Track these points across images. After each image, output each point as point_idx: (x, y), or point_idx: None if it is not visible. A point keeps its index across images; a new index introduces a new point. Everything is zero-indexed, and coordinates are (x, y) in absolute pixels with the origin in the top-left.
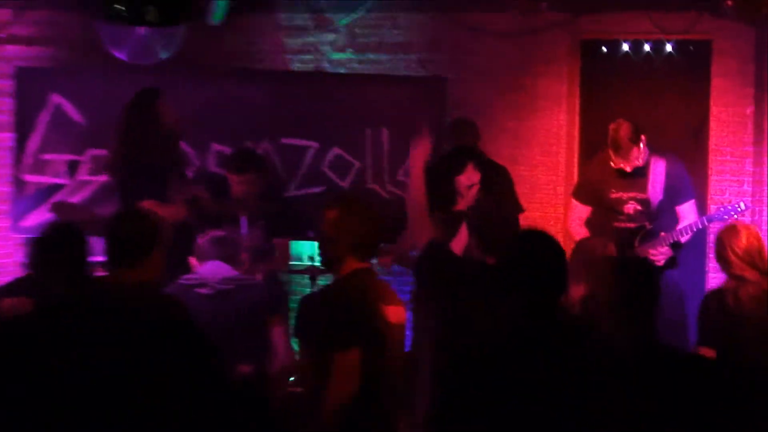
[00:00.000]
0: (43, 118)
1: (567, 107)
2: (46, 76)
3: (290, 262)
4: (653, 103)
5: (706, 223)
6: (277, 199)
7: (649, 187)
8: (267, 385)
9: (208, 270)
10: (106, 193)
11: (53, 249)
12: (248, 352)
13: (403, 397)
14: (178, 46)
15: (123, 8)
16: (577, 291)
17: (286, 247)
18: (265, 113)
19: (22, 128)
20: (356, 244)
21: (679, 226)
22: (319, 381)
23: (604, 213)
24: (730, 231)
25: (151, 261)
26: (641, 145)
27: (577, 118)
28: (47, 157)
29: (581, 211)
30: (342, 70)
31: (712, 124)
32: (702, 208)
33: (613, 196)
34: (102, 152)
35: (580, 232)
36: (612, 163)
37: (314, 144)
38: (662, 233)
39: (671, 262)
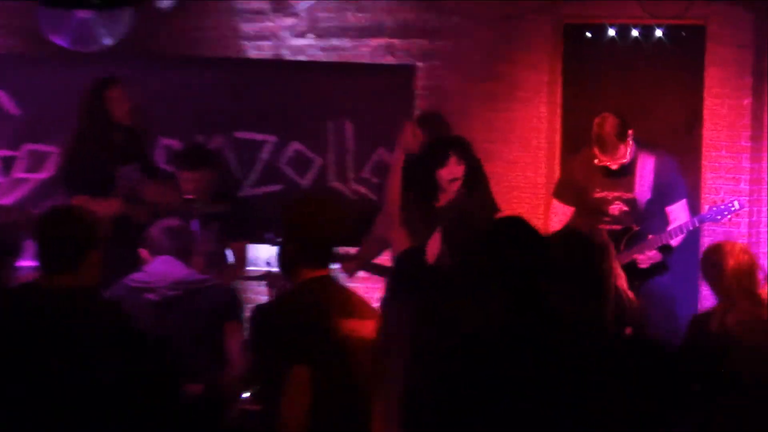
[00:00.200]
0: None
1: (548, 98)
2: None
3: (246, 268)
4: (642, 94)
5: (698, 224)
6: (231, 198)
7: (637, 186)
8: (219, 404)
9: (158, 270)
10: (44, 191)
11: None
12: (200, 367)
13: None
14: (124, 32)
15: None
16: None
17: (242, 252)
18: (218, 105)
19: None
20: (309, 250)
21: (669, 228)
22: (272, 397)
23: (587, 214)
24: (716, 249)
25: (87, 265)
26: (628, 140)
27: (558, 110)
28: None
29: (563, 212)
30: (302, 58)
31: (706, 117)
32: (695, 209)
33: (597, 195)
34: (40, 147)
35: None
36: (596, 160)
37: (272, 138)
38: (650, 236)
39: (660, 267)
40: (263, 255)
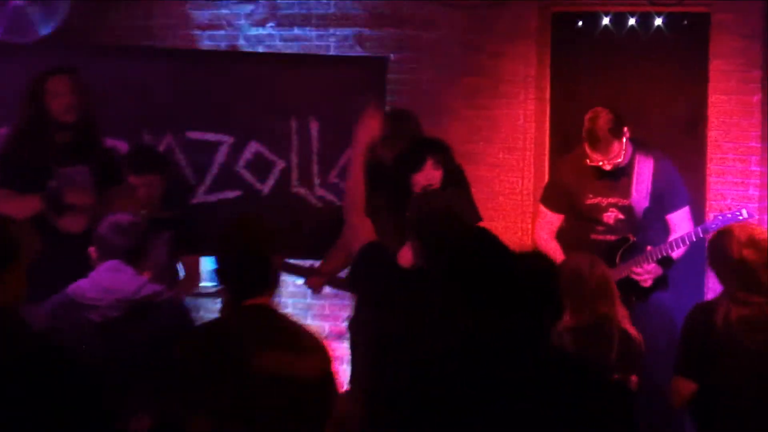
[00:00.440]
0: None
1: (535, 94)
2: None
3: (199, 284)
4: (639, 89)
5: (702, 235)
6: (182, 206)
7: (633, 191)
8: None
9: (103, 281)
10: None
11: None
12: (146, 399)
13: None
14: (61, 20)
15: None
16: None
17: (194, 266)
18: (168, 101)
19: None
20: (233, 282)
21: (670, 239)
22: None
23: (578, 222)
24: (727, 235)
25: (7, 280)
26: (623, 139)
27: (547, 107)
28: None
29: (551, 220)
30: (261, 49)
31: (711, 114)
32: (698, 218)
33: (590, 201)
34: None
35: (551, 246)
36: (588, 161)
37: (228, 138)
38: (649, 247)
39: (660, 282)
40: None
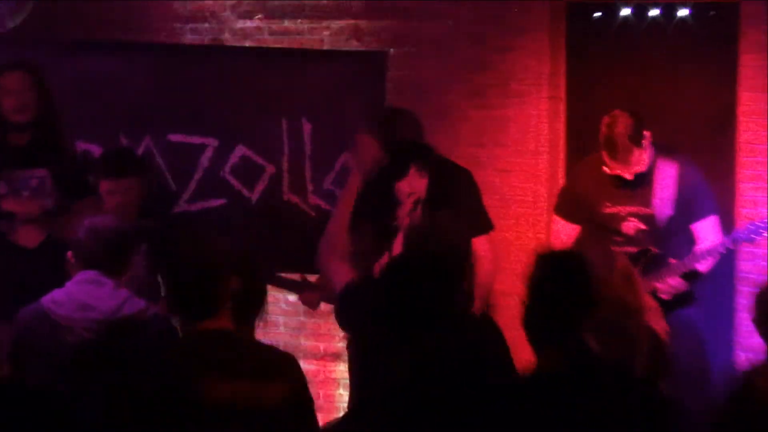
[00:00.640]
0: None
1: (549, 92)
2: None
3: None
4: (662, 86)
5: (731, 246)
6: (163, 215)
7: (655, 199)
8: None
9: (78, 297)
10: None
11: None
12: None
13: None
14: (29, 12)
15: None
16: None
17: None
18: (148, 100)
19: None
20: (179, 304)
21: (696, 250)
22: None
23: (596, 233)
24: None
25: None
26: (644, 143)
27: (562, 106)
28: None
29: (567, 230)
30: (249, 43)
31: (741, 114)
32: (727, 227)
33: (608, 211)
34: None
35: None
36: (606, 169)
37: (213, 141)
38: (673, 260)
39: (686, 298)
40: None
